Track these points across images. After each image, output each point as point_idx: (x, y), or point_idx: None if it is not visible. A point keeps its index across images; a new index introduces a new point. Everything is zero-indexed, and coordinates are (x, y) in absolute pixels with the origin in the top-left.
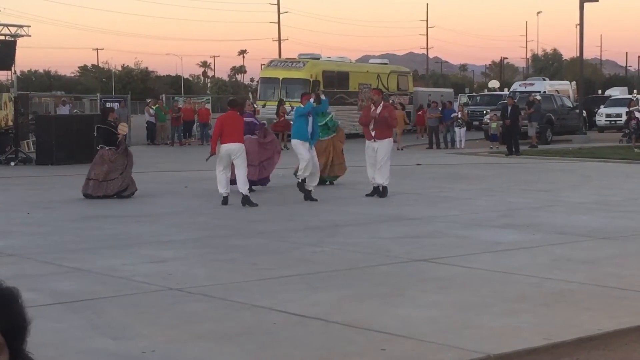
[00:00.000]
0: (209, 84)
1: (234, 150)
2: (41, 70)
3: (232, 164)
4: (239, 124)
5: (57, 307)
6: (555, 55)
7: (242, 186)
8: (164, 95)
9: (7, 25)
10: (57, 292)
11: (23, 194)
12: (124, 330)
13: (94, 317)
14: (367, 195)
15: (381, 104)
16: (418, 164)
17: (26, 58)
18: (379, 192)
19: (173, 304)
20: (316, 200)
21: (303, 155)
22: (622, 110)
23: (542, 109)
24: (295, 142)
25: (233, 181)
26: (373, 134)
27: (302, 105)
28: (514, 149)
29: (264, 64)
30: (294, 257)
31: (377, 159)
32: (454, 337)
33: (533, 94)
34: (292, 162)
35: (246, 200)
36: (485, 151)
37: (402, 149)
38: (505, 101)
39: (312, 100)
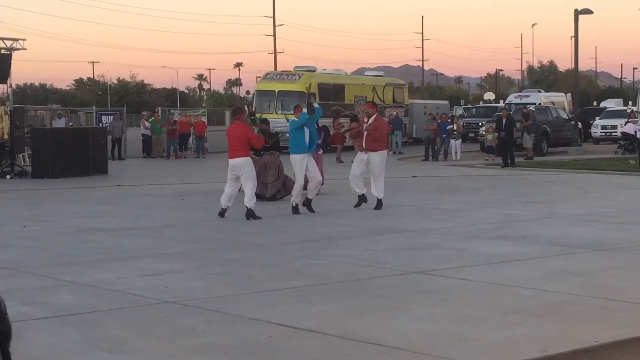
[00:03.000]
0: (204, 97)
1: (238, 166)
2: (37, 84)
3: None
4: (243, 135)
5: (52, 321)
6: (551, 67)
7: (248, 200)
8: (159, 108)
9: (2, 39)
10: (53, 306)
11: (19, 207)
12: (119, 344)
13: (89, 331)
14: (355, 206)
15: (373, 117)
16: (414, 176)
17: (22, 71)
18: (365, 199)
19: (169, 317)
20: (314, 212)
21: (298, 175)
22: (618, 122)
23: (538, 120)
24: (293, 158)
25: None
26: (364, 145)
27: (295, 119)
28: (509, 161)
29: (259, 77)
30: (290, 270)
31: (371, 171)
32: (450, 350)
33: (528, 106)
34: (333, 171)
35: (250, 214)
36: (481, 163)
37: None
38: (500, 113)
39: (304, 110)
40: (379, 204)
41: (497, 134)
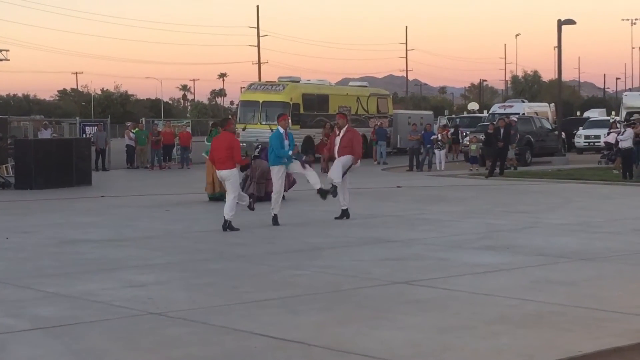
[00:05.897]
0: (189, 107)
1: (224, 176)
2: (20, 94)
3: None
4: (227, 146)
5: (35, 333)
6: (535, 77)
7: (228, 211)
8: (143, 118)
9: None
10: (36, 318)
11: (1, 218)
12: (103, 356)
13: (72, 343)
14: (335, 218)
15: (345, 128)
16: (398, 186)
17: (5, 82)
18: (347, 214)
19: (153, 328)
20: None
21: (276, 186)
22: (601, 131)
23: (521, 130)
24: (272, 168)
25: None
26: (337, 156)
27: (280, 128)
28: (499, 170)
29: (243, 87)
30: (274, 281)
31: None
32: None
33: (510, 116)
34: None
35: (228, 225)
36: (465, 173)
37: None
38: (487, 123)
39: (281, 128)
40: (334, 190)
41: (481, 144)
